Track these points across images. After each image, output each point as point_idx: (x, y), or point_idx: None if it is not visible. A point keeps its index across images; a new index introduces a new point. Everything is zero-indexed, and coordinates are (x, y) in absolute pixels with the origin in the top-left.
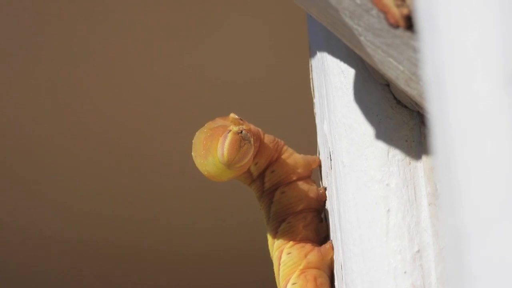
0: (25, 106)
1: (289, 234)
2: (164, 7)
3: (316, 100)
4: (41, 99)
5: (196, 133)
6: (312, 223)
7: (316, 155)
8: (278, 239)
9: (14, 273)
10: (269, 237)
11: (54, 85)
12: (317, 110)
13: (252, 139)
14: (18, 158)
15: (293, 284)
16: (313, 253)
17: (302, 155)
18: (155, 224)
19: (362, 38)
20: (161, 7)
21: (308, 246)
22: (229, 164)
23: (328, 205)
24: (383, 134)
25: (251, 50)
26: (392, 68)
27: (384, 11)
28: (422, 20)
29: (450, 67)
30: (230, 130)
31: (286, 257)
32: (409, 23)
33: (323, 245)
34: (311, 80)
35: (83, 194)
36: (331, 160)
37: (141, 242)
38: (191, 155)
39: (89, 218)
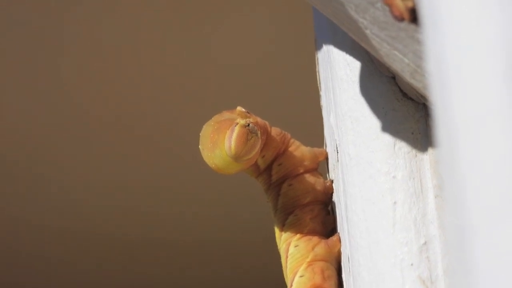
0: (31, 100)
1: (296, 227)
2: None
3: (322, 93)
4: (48, 93)
5: (203, 126)
6: (319, 216)
7: (323, 147)
8: (285, 231)
9: (22, 263)
10: (277, 230)
11: (61, 78)
12: (323, 102)
13: (259, 132)
14: (24, 153)
15: (301, 276)
16: (320, 246)
17: (309, 148)
18: (161, 215)
19: (367, 31)
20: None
21: (315, 238)
22: (237, 157)
23: (335, 198)
24: (389, 126)
25: (259, 42)
26: (397, 61)
27: (389, 4)
28: (425, 13)
29: (452, 60)
30: (237, 123)
31: (294, 249)
32: (413, 16)
33: (330, 238)
34: (317, 73)
35: (90, 186)
36: (337, 152)
37: (148, 233)
38: (198, 147)
39: (96, 210)
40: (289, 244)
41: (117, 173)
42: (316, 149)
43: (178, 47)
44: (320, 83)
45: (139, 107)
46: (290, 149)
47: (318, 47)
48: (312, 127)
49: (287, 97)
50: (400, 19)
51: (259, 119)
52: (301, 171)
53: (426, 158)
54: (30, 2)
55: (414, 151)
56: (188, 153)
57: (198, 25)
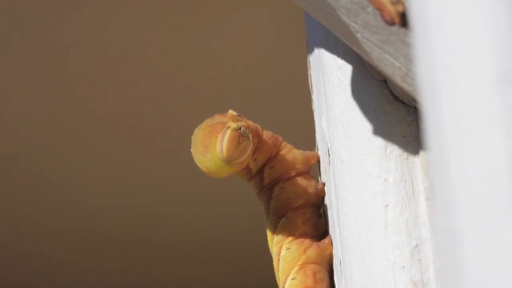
0: (31, 100)
1: (288, 230)
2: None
3: (314, 97)
4: (49, 93)
5: (195, 130)
6: (311, 219)
7: (315, 150)
8: (277, 234)
9: (22, 263)
10: (269, 233)
11: (62, 78)
12: (315, 106)
13: (250, 135)
14: (24, 152)
15: (293, 279)
16: (312, 249)
17: (300, 151)
18: (161, 215)
19: (358, 36)
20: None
21: (307, 241)
22: (228, 161)
23: (326, 201)
24: (380, 130)
25: (259, 46)
26: (388, 64)
27: (380, 9)
28: (415, 17)
29: (442, 65)
30: (228, 127)
31: (285, 252)
32: (404, 20)
33: (322, 241)
34: (309, 77)
35: (90, 186)
36: (329, 156)
37: (148, 233)
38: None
39: (96, 210)
40: (281, 247)
41: (118, 173)
42: (308, 152)
43: (178, 47)
44: (312, 87)
45: (140, 107)
46: (282, 152)
47: (310, 50)
48: (312, 127)
49: (287, 97)
50: (391, 23)
51: (250, 123)
52: (293, 174)
53: (418, 161)
54: (35, 2)
55: (405, 154)
56: (188, 153)
57: (198, 26)
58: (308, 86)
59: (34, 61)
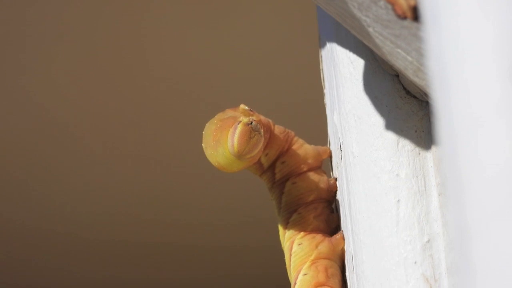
0: (28, 106)
1: (300, 225)
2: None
3: (326, 91)
4: (45, 97)
5: (206, 124)
6: (323, 214)
7: (327, 145)
8: (289, 229)
9: (24, 266)
10: (280, 228)
11: (65, 78)
12: (327, 100)
13: (262, 130)
14: (25, 154)
15: (304, 274)
16: (324, 244)
17: (312, 146)
18: (161, 220)
19: (370, 29)
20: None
21: (319, 236)
22: (239, 155)
23: (338, 196)
24: (392, 124)
25: (270, 43)
26: (400, 59)
27: (392, 2)
28: (426, 11)
29: (453, 59)
30: (240, 121)
31: (297, 247)
32: (416, 14)
33: (334, 236)
34: (321, 71)
35: (90, 193)
36: (341, 150)
37: (148, 238)
38: (201, 146)
39: (93, 215)
40: (292, 242)
41: (116, 176)
42: (319, 147)
43: (179, 46)
44: (324, 81)
45: (140, 107)
46: (294, 147)
47: (322, 45)
48: (320, 123)
49: (294, 93)
50: (403, 17)
51: (262, 117)
52: (305, 169)
53: (430, 156)
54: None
55: (417, 149)
56: (189, 154)
57: (200, 25)
58: (318, 80)
59: (26, 57)
